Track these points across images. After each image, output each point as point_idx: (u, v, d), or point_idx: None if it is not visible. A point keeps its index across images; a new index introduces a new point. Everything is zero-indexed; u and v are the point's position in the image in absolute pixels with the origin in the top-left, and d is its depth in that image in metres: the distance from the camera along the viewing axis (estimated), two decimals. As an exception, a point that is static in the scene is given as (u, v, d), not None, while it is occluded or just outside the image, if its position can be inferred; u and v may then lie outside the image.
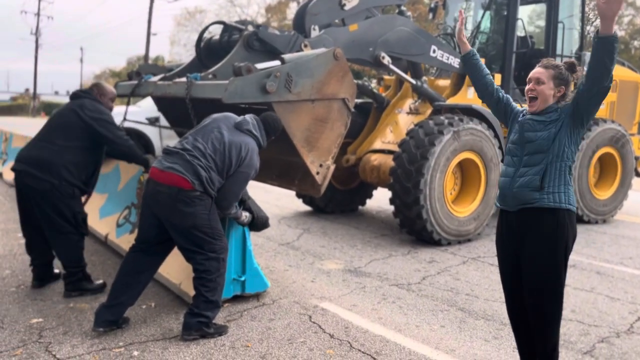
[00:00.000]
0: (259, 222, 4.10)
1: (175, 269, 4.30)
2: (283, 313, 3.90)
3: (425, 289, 4.61)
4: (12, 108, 62.12)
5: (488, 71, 3.13)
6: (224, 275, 3.55)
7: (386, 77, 8.03)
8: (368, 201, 8.15)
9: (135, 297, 3.56)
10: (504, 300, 4.32)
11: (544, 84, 2.69)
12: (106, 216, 5.66)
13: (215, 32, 5.83)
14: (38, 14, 55.52)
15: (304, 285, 4.55)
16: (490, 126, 6.40)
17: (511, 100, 3.04)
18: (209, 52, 5.58)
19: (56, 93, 79.44)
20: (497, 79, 6.83)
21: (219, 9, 44.42)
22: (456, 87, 6.99)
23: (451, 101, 6.75)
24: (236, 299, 4.06)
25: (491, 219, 6.57)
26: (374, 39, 5.96)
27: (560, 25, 7.35)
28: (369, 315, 3.95)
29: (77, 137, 3.93)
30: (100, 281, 4.17)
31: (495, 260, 5.50)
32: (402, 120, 7.20)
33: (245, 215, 3.93)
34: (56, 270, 4.31)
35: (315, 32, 5.66)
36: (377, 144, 7.13)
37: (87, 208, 6.22)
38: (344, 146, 7.44)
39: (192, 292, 3.90)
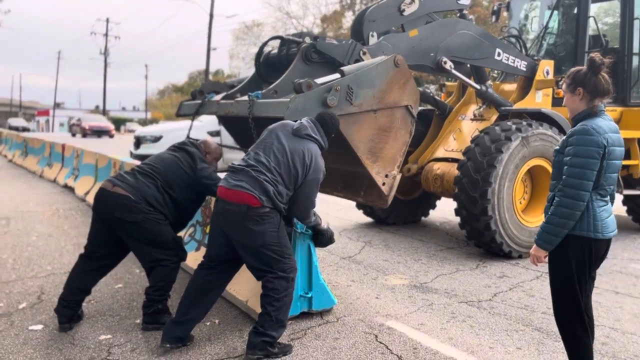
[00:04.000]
0: (324, 238, 4.01)
1: (242, 286, 4.27)
2: (348, 332, 3.77)
3: (497, 306, 4.35)
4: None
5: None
6: (292, 294, 3.47)
7: (448, 83, 7.79)
8: (431, 212, 7.91)
9: (203, 314, 3.54)
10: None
11: (563, 97, 2.86)
12: (172, 232, 5.73)
13: (274, 45, 5.82)
14: (106, 35, 58.38)
15: (368, 301, 4.41)
16: (562, 131, 6.04)
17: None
18: (268, 67, 5.56)
19: (123, 109, 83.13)
20: (568, 81, 6.44)
21: (276, 22, 44.98)
22: (523, 91, 6.65)
23: (518, 106, 6.44)
24: (300, 316, 3.96)
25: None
26: (435, 44, 5.77)
27: (636, 22, 6.88)
28: (438, 335, 3.76)
29: (182, 188, 3.88)
30: None
31: (573, 275, 5.15)
32: (466, 127, 6.94)
33: (326, 223, 3.86)
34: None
35: (373, 39, 5.53)
36: (440, 153, 6.90)
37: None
38: (405, 155, 7.23)
39: (258, 310, 3.83)
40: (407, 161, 7.13)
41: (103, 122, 37.51)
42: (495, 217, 5.50)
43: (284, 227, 3.46)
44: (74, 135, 36.07)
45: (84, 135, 35.20)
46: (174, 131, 10.83)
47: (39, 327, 3.80)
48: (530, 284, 4.91)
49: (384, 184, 4.62)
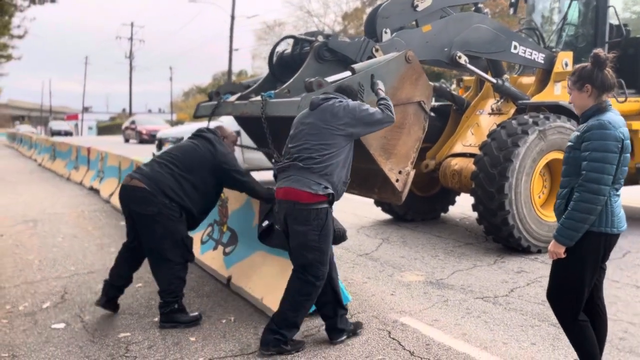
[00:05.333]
0: (336, 235, 4.02)
1: (257, 283, 4.32)
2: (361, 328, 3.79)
3: (514, 302, 4.32)
4: (112, 127, 66.85)
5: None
6: (313, 301, 3.45)
7: (466, 77, 7.72)
8: (451, 208, 7.85)
9: (340, 302, 3.64)
10: (603, 315, 3.96)
11: (570, 94, 2.78)
12: (192, 234, 5.80)
13: (288, 45, 5.86)
14: (131, 39, 59.43)
15: (383, 298, 4.42)
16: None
17: None
18: (282, 66, 5.61)
19: (149, 111, 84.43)
20: (588, 72, 6.33)
21: (297, 20, 45.09)
22: (542, 84, 6.56)
23: (536, 99, 6.35)
24: (314, 313, 3.95)
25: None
26: (449, 39, 5.73)
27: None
28: (451, 330, 3.75)
29: (202, 173, 3.96)
30: (196, 313, 3.96)
31: (593, 269, 5.07)
32: (484, 121, 6.87)
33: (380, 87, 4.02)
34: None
35: (387, 36, 5.52)
36: (458, 148, 6.85)
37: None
38: (422, 151, 7.21)
39: (273, 308, 3.88)
40: (425, 157, 7.11)
41: (162, 126, 29.71)
42: (512, 212, 5.44)
43: (331, 229, 3.42)
44: (127, 140, 31.42)
45: (141, 140, 29.57)
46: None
47: (61, 325, 3.92)
48: (548, 279, 4.84)
49: (397, 180, 4.62)
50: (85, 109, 75.57)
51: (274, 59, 5.63)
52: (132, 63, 59.81)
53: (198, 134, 4.17)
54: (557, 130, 5.68)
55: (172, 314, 3.84)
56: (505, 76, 6.52)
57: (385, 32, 5.55)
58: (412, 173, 4.70)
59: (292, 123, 4.49)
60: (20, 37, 21.59)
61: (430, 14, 5.90)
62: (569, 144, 2.77)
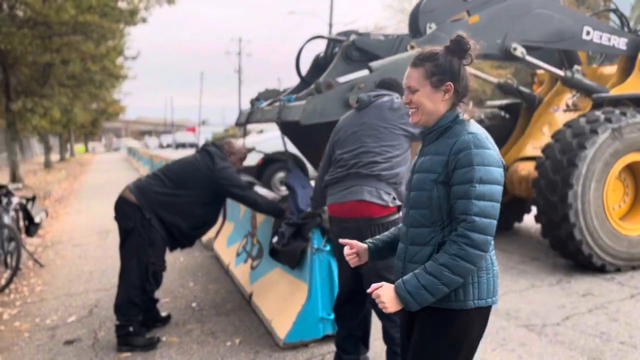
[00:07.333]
0: None
1: (271, 303, 4.06)
2: (370, 358, 3.37)
3: (565, 332, 3.64)
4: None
5: None
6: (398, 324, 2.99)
7: (539, 71, 6.89)
8: (526, 217, 7.03)
9: (367, 342, 3.30)
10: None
11: (418, 90, 1.80)
12: (231, 244, 5.73)
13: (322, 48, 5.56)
14: (239, 54, 62.25)
15: (408, 323, 3.93)
16: (671, 118, 4.98)
17: None
18: (316, 69, 5.32)
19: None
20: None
21: (398, 23, 44.35)
22: (625, 74, 5.66)
23: (617, 91, 5.47)
24: (323, 339, 3.63)
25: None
26: (501, 29, 5.09)
27: None
28: (473, 367, 3.20)
29: (196, 188, 3.84)
30: (153, 336, 3.82)
31: (679, 294, 4.18)
32: (560, 119, 6.09)
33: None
34: (163, 314, 4.21)
35: (432, 31, 5.02)
36: (528, 150, 6.12)
37: (220, 235, 6.43)
38: (489, 155, 6.55)
39: (280, 333, 3.63)
40: (491, 162, 6.42)
41: None
42: (579, 225, 4.66)
43: None
44: None
45: None
46: (261, 142, 10.91)
47: (74, 341, 3.92)
48: (618, 305, 4.06)
49: None
50: (202, 122, 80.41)
51: (301, 62, 5.35)
52: (240, 77, 62.63)
53: (203, 148, 4.03)
54: (637, 127, 4.81)
55: (127, 337, 3.69)
56: (576, 67, 5.66)
57: (430, 27, 5.04)
58: None
59: (304, 128, 4.19)
60: (133, 58, 23.20)
61: (482, 2, 5.28)
62: (431, 175, 1.78)
